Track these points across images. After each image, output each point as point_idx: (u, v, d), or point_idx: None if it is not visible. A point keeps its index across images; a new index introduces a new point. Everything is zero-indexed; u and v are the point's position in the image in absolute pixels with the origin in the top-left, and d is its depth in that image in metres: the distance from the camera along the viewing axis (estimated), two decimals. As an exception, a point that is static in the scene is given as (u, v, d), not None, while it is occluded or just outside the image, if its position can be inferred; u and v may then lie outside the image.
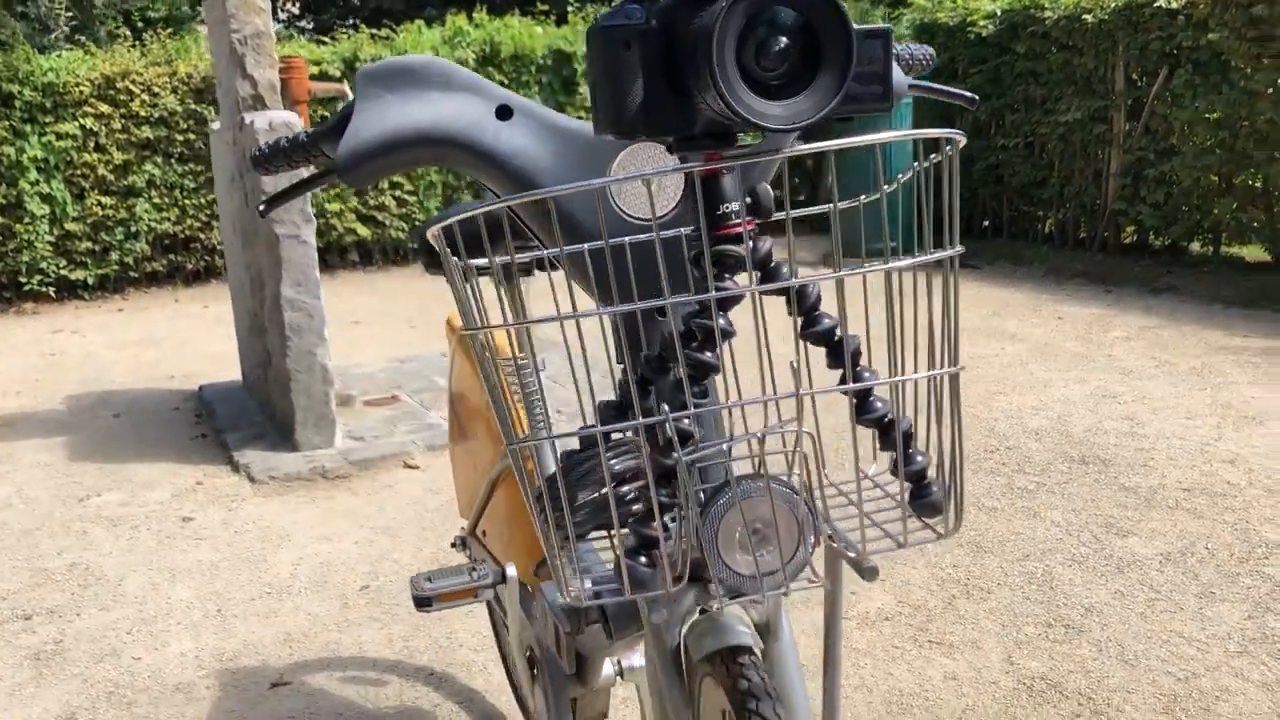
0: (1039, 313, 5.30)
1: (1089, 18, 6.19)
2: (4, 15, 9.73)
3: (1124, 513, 2.90)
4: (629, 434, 0.86)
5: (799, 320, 0.80)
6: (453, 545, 1.98)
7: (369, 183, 1.03)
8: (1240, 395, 3.82)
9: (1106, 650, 2.24)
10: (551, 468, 0.86)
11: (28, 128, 6.62)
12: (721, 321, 0.78)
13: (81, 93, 6.72)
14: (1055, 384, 4.09)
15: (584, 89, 7.72)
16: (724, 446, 0.79)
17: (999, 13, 6.86)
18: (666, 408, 0.76)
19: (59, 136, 6.69)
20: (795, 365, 0.79)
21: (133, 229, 6.98)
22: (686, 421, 0.77)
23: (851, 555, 0.82)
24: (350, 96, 4.92)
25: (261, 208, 1.10)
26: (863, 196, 0.92)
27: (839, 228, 0.86)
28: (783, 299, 0.82)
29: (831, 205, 0.85)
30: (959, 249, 0.82)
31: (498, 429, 1.77)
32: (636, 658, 1.58)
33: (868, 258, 0.81)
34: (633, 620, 1.15)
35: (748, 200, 0.80)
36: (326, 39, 7.72)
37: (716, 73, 0.67)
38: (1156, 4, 5.82)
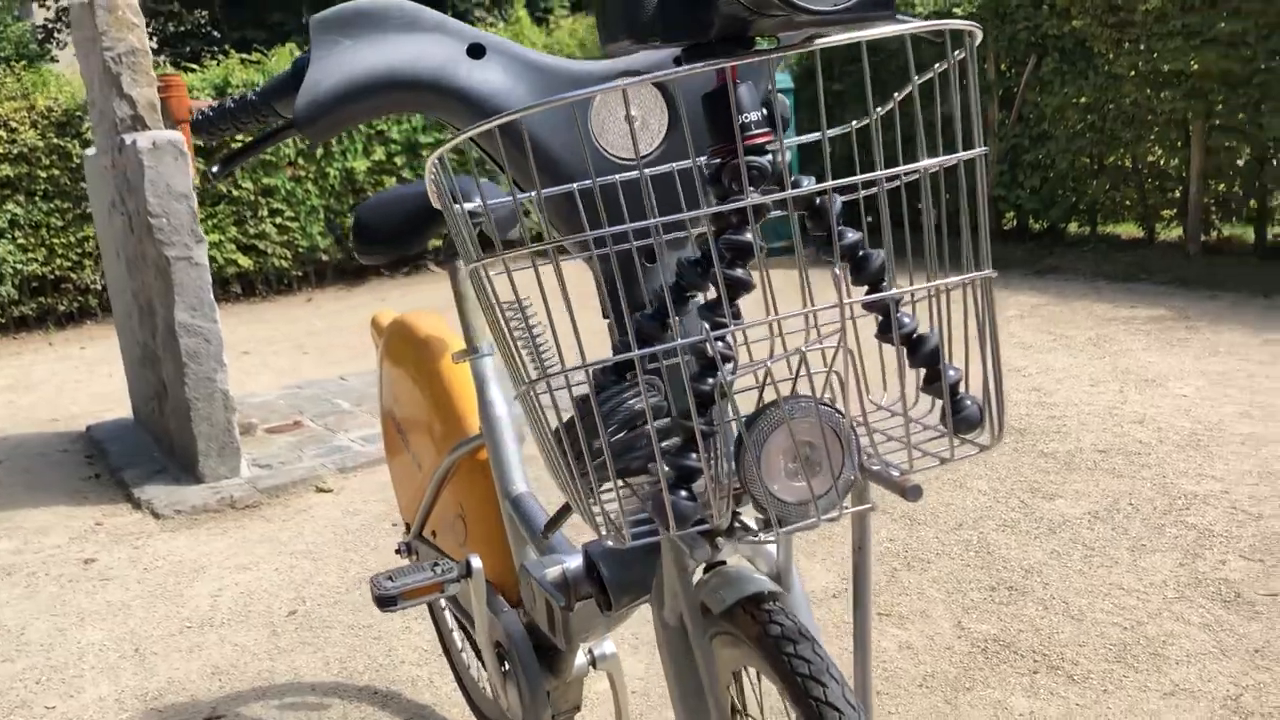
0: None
1: (957, 11, 6.36)
2: None
3: (1047, 477, 2.96)
4: (649, 367, 0.81)
5: (831, 237, 0.77)
6: (397, 552, 1.89)
7: (331, 135, 0.97)
8: (1137, 361, 3.95)
9: (1052, 608, 2.27)
10: (568, 411, 0.81)
11: (-125, 171, 6.25)
12: (748, 235, 0.74)
13: (-68, 132, 6.37)
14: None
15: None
16: (767, 365, 0.75)
17: (870, 12, 7.00)
18: (707, 326, 0.72)
19: (-90, 179, 6.33)
20: (837, 274, 0.75)
21: (-3, 272, 6.63)
22: (721, 344, 0.73)
23: (895, 476, 0.79)
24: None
25: (215, 169, 1.02)
26: (878, 110, 0.89)
27: (877, 130, 0.83)
28: (804, 216, 0.79)
29: (819, 104, 0.82)
30: (984, 149, 0.80)
31: (439, 428, 1.71)
32: (608, 645, 1.53)
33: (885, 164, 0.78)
34: (628, 590, 1.10)
35: (764, 111, 0.77)
36: (194, 65, 7.48)
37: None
38: (1020, -5, 6.02)
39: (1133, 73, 5.62)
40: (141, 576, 2.89)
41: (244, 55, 7.36)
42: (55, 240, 6.77)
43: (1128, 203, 6.07)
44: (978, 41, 0.78)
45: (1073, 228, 6.47)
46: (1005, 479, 2.97)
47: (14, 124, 6.58)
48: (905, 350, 0.80)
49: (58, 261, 6.80)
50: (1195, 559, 2.42)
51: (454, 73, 0.92)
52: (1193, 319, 4.48)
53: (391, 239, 1.56)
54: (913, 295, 0.77)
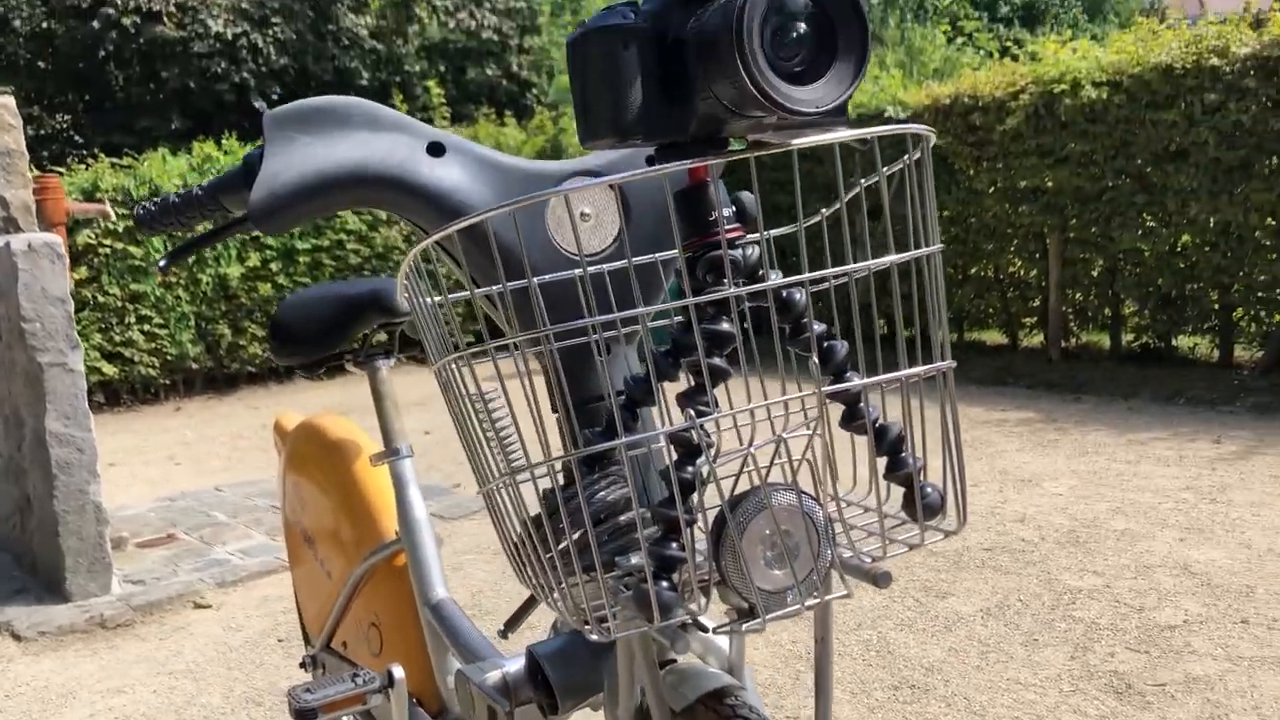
0: (814, 403, 5.53)
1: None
2: None
3: (938, 576, 3.02)
4: (612, 462, 0.82)
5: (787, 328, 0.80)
6: (302, 665, 1.82)
7: (286, 229, 0.96)
8: (1013, 462, 4.09)
9: (955, 705, 2.30)
10: (535, 505, 0.80)
11: None
12: (727, 325, 0.76)
13: None
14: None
15: (342, 212, 7.59)
16: (751, 451, 0.76)
17: (744, 128, 7.27)
18: (693, 413, 0.73)
19: None
20: (814, 363, 0.77)
21: None
22: (698, 431, 0.74)
23: (866, 564, 0.80)
24: (113, 216, 4.64)
25: (162, 263, 1.00)
26: (823, 210, 0.93)
27: (803, 236, 0.86)
28: (768, 306, 0.81)
29: (796, 204, 0.86)
30: (939, 246, 0.84)
31: (352, 533, 1.66)
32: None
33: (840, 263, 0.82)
34: (575, 692, 1.08)
35: (733, 207, 0.80)
36: (61, 169, 7.28)
37: (749, 59, 0.66)
38: (886, 115, 6.34)
39: (992, 189, 5.95)
40: (2, 704, 2.70)
41: (114, 160, 7.20)
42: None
43: (991, 311, 6.35)
44: (932, 144, 0.83)
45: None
46: (899, 578, 3.02)
47: None
48: (873, 438, 0.82)
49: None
50: (1085, 652, 2.49)
51: (415, 170, 0.92)
52: (1060, 421, 4.68)
53: (311, 340, 1.53)
54: (882, 386, 0.80)
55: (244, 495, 4.54)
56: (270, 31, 13.39)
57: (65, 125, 14.69)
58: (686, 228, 0.78)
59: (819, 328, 0.81)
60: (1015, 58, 6.99)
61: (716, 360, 0.75)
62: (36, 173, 5.09)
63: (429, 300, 0.80)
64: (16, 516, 3.69)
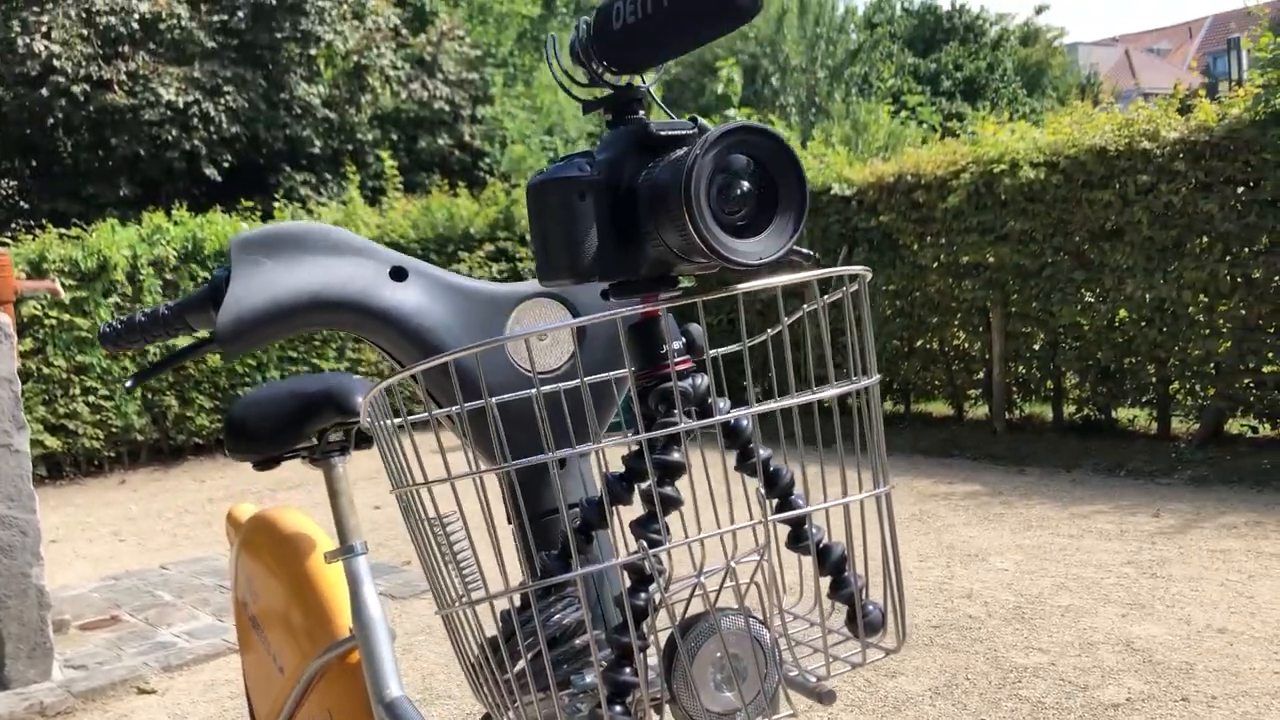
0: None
1: (776, 205, 6.78)
2: None
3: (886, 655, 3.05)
4: (568, 589, 0.85)
5: (736, 454, 0.83)
6: (254, 763, 1.80)
7: (249, 350, 0.99)
8: (959, 536, 4.15)
9: (905, 787, 2.32)
10: (489, 629, 0.83)
11: None
12: (677, 455, 0.79)
13: None
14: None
15: (294, 284, 7.57)
16: (700, 579, 0.79)
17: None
18: (645, 544, 0.76)
19: None
20: (761, 492, 0.81)
21: None
22: (650, 561, 0.77)
23: (811, 683, 0.83)
24: (62, 294, 4.62)
25: (129, 384, 1.02)
26: (769, 330, 0.98)
27: (750, 365, 0.90)
28: (718, 435, 0.85)
29: (742, 345, 0.90)
30: (876, 377, 0.88)
31: (305, 629, 1.66)
32: None
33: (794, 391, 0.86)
34: None
35: (683, 340, 0.84)
36: (7, 240, 7.22)
37: (695, 215, 0.71)
38: (833, 191, 6.48)
39: (936, 264, 6.09)
40: (-61, 798, 2.63)
41: (62, 230, 7.16)
42: None
43: (937, 383, 6.47)
44: (868, 280, 0.87)
45: (888, 406, 6.83)
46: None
47: None
48: (816, 560, 0.86)
49: None
50: (1032, 731, 2.53)
51: (378, 294, 0.96)
52: (1005, 494, 4.76)
53: (266, 438, 1.55)
54: (826, 510, 0.84)
55: (190, 574, 4.48)
56: (222, 100, 13.42)
57: (11, 191, 14.56)
58: (639, 359, 0.82)
59: (764, 453, 0.85)
60: (956, 134, 7.19)
61: (668, 490, 0.78)
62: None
63: (389, 424, 0.82)
64: (-45, 599, 3.61)
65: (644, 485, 0.79)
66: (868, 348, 0.90)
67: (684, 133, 0.80)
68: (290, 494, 6.11)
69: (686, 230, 0.71)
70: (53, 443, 6.89)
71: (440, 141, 14.90)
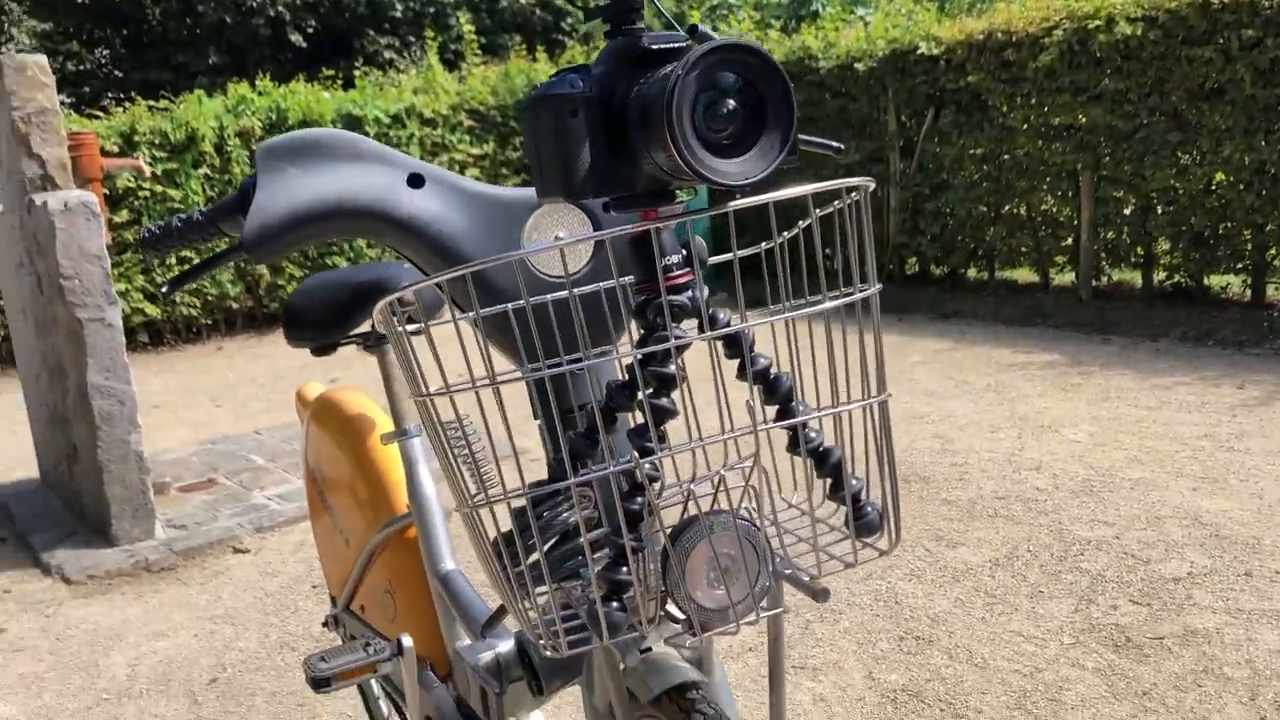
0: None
1: (859, 66, 6.59)
2: None
3: (950, 525, 3.08)
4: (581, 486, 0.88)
5: (743, 362, 0.85)
6: (324, 625, 1.92)
7: (276, 258, 1.03)
8: (1033, 407, 4.13)
9: (957, 656, 2.38)
10: (505, 525, 0.87)
11: None
12: (671, 368, 0.81)
13: None
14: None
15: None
16: (690, 488, 0.82)
17: (776, 64, 7.21)
18: (637, 455, 0.79)
19: None
20: (750, 404, 0.83)
21: (-109, 324, 6.44)
22: (648, 466, 0.80)
23: (805, 580, 0.87)
24: (147, 171, 4.74)
25: (165, 289, 1.07)
26: (763, 244, 0.98)
27: (739, 275, 0.91)
28: (719, 343, 0.87)
29: (732, 256, 0.91)
30: (877, 287, 0.89)
31: (368, 505, 1.75)
32: (537, 716, 1.58)
33: (793, 299, 0.87)
34: (559, 674, 1.17)
35: (684, 252, 0.85)
36: (99, 113, 7.38)
37: (677, 136, 0.71)
38: (919, 51, 6.26)
39: (1025, 126, 5.89)
40: (54, 646, 2.85)
41: (151, 103, 7.28)
42: (-47, 291, 6.59)
43: (1023, 249, 6.32)
44: (870, 191, 0.87)
45: (972, 273, 6.72)
46: (911, 527, 3.09)
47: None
48: (814, 464, 0.88)
49: (-44, 313, 6.63)
50: (1089, 604, 2.56)
51: (395, 201, 0.98)
52: (1085, 364, 4.69)
53: (321, 325, 1.61)
54: (819, 418, 0.85)
55: (282, 439, 4.68)
56: (304, -37, 13.35)
57: (104, 61, 14.78)
58: (638, 272, 0.84)
59: (763, 361, 0.86)
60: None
61: (663, 401, 0.81)
62: (73, 128, 5.18)
63: (405, 330, 0.86)
64: (65, 463, 3.84)
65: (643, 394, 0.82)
66: (869, 258, 0.90)
67: (676, 46, 0.80)
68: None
69: (670, 150, 0.72)
70: (153, 310, 7.16)
71: (521, 1, 14.66)
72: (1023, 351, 5.03)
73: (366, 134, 7.62)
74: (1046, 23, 5.62)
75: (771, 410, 0.88)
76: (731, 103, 0.74)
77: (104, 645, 2.84)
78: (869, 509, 0.89)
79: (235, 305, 7.50)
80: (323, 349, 1.65)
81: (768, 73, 0.74)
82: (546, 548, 0.87)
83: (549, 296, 0.98)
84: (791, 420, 0.85)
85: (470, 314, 0.97)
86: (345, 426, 1.81)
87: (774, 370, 0.88)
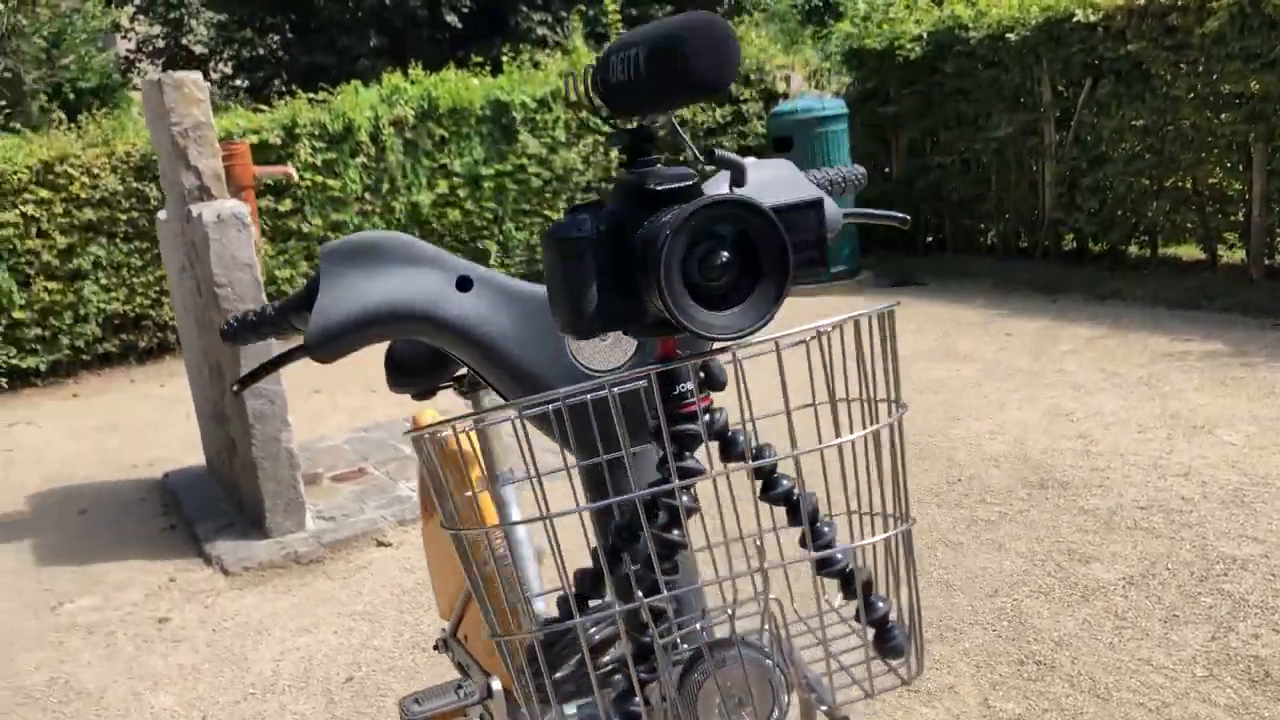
0: (988, 330, 5.40)
1: (1012, 35, 6.33)
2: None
3: (1085, 537, 2.98)
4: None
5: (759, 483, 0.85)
6: (435, 648, 2.00)
7: (338, 358, 1.07)
8: (1187, 404, 3.93)
9: (1079, 685, 2.31)
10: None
11: (-33, 219, 6.57)
12: (685, 499, 0.82)
13: (20, 180, 6.67)
14: (1010, 405, 4.18)
15: (523, 137, 7.78)
16: (697, 624, 0.83)
17: (925, 35, 7.00)
18: (641, 594, 0.80)
19: (0, 225, 6.64)
20: (759, 544, 0.83)
21: (81, 312, 6.92)
22: (645, 610, 0.81)
23: (824, 708, 0.87)
24: (294, 176, 4.96)
25: (235, 388, 1.14)
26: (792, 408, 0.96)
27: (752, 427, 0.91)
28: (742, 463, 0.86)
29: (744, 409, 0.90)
30: (904, 409, 0.87)
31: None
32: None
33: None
34: None
35: (701, 375, 0.85)
36: (264, 106, 7.72)
37: (664, 290, 0.72)
38: (1075, 18, 5.98)
39: (1191, 95, 5.56)
40: (210, 638, 3.05)
41: (310, 95, 7.58)
42: (135, 280, 7.05)
43: (1189, 225, 5.99)
44: (894, 314, 0.86)
45: (1133, 250, 6.40)
46: (1044, 539, 3.00)
47: (95, 170, 6.87)
48: (841, 585, 0.87)
49: (138, 300, 7.08)
50: (1228, 632, 2.44)
51: (444, 306, 1.02)
52: (1250, 354, 4.43)
53: (420, 373, 1.67)
54: (857, 551, 0.85)
55: (428, 428, 4.85)
56: (459, -56, 13.60)
57: (275, 46, 15.43)
58: (661, 396, 0.85)
59: (787, 484, 0.86)
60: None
61: (675, 533, 0.82)
62: (229, 138, 5.45)
63: (438, 463, 0.88)
64: (225, 454, 4.08)
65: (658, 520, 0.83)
66: (894, 382, 0.89)
67: (683, 185, 0.80)
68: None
69: (658, 303, 0.72)
70: (316, 295, 7.47)
71: (674, -30, 14.60)
72: (1182, 339, 4.78)
73: (514, 119, 7.77)
74: (1215, -15, 5.28)
75: (796, 531, 0.87)
76: (726, 254, 0.74)
77: (254, 638, 3.02)
78: (896, 632, 0.88)
79: (392, 288, 7.76)
80: (423, 394, 1.71)
81: (761, 225, 0.74)
82: (566, 669, 0.90)
83: (588, 397, 0.99)
84: (799, 559, 0.84)
85: (512, 414, 1.00)
86: (449, 462, 1.87)
87: (796, 492, 0.87)
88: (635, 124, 0.82)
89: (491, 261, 7.72)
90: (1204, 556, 2.79)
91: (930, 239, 7.63)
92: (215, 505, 4.10)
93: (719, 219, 0.73)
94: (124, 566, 3.67)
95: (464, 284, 1.04)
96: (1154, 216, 6.02)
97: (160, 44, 15.30)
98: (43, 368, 6.91)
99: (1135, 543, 2.92)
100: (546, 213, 7.98)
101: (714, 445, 0.87)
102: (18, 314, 6.75)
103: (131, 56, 15.29)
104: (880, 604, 0.88)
